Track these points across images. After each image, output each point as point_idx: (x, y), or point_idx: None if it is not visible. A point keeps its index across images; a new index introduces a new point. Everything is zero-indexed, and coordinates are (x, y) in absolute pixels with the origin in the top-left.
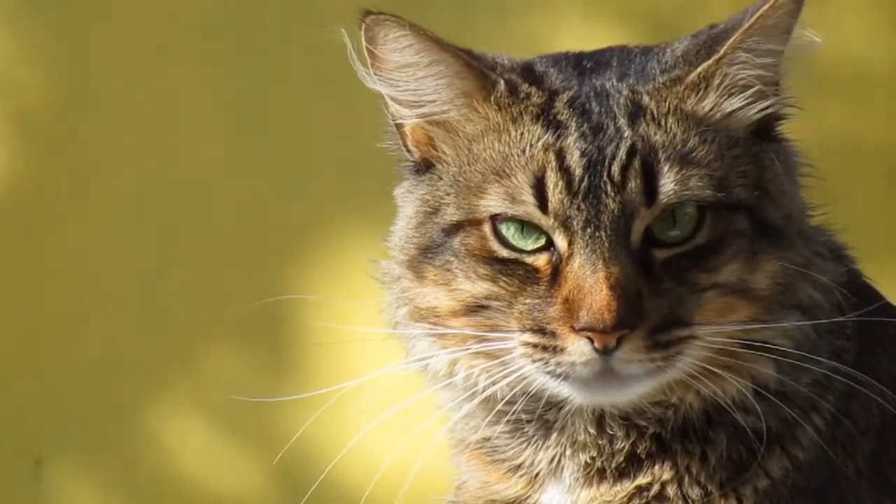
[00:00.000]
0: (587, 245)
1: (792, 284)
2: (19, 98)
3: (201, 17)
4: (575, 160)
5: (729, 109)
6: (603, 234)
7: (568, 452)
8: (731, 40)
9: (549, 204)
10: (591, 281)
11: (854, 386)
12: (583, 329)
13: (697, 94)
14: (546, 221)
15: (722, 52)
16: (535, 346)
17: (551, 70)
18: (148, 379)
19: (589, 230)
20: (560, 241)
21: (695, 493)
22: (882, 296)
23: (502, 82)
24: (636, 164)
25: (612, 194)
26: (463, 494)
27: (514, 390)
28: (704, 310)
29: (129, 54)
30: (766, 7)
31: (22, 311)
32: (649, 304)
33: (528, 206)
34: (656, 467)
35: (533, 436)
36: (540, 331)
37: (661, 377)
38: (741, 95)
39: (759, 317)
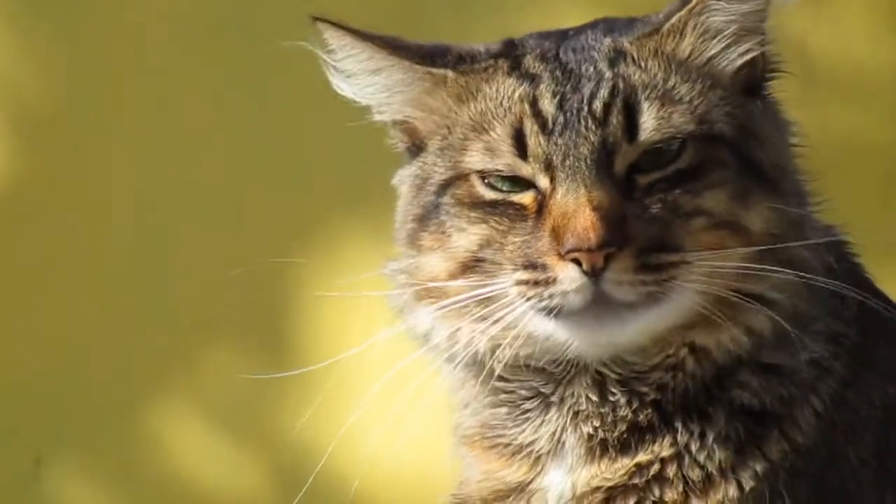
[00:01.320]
0: (568, 176)
1: (785, 237)
2: (19, 98)
3: (201, 17)
4: (547, 101)
5: (710, 54)
6: (583, 163)
7: (569, 426)
8: None
9: (529, 149)
10: (573, 206)
11: (854, 373)
12: (569, 251)
13: (674, 39)
14: (527, 169)
15: (694, 2)
16: (527, 282)
17: (531, 41)
18: (148, 379)
19: (569, 161)
20: (543, 181)
21: (695, 473)
22: (882, 291)
23: (450, 73)
24: (618, 101)
25: (593, 128)
26: (466, 488)
27: (513, 350)
28: (696, 239)
29: (130, 54)
30: None
31: (22, 310)
32: (635, 226)
33: (507, 158)
34: (656, 444)
35: (532, 412)
36: (531, 266)
37: (656, 307)
38: (718, 38)
39: (752, 260)
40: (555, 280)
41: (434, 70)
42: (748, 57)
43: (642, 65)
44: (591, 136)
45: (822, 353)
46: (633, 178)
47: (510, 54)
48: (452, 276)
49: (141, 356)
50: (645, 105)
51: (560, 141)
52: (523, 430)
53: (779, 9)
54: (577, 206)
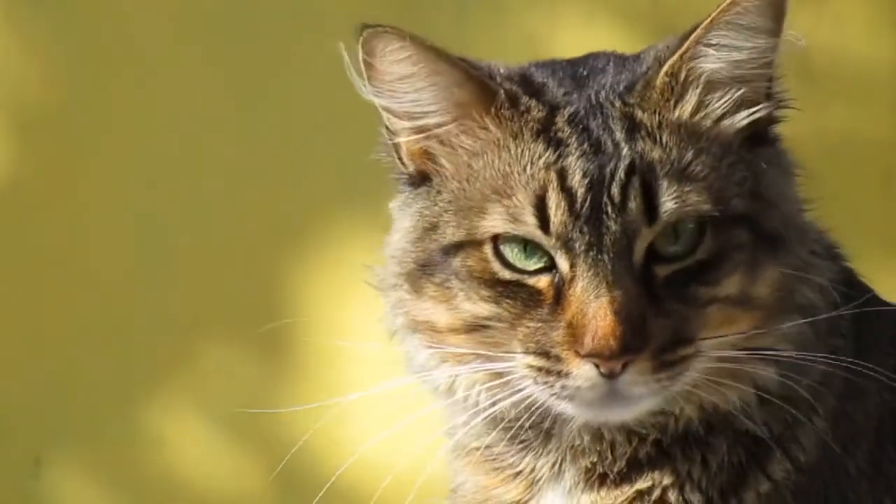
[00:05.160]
0: (590, 269)
1: (791, 289)
2: (19, 96)
3: (202, 17)
4: (577, 180)
5: (717, 113)
6: (606, 257)
7: (568, 458)
8: (692, 36)
9: (552, 225)
10: (594, 306)
11: (851, 384)
12: (588, 355)
13: (675, 94)
14: (548, 241)
15: (685, 47)
16: (538, 369)
17: (550, 81)
18: (148, 378)
19: (592, 253)
20: (562, 262)
21: (696, 498)
22: (875, 292)
23: (503, 92)
24: (636, 182)
25: (614, 215)
26: (459, 499)
27: (516, 409)
28: (707, 325)
29: (130, 53)
30: (725, 3)
31: (21, 309)
32: (653, 325)
33: (529, 227)
34: (657, 472)
35: (532, 443)
36: (544, 354)
37: (665, 394)
38: (721, 92)
39: (760, 325)
40: (568, 374)
41: (487, 81)
42: (756, 116)
43: (657, 138)
44: (614, 224)
45: (822, 371)
46: (652, 269)
47: (539, 96)
48: (454, 332)
49: (141, 356)
50: (664, 184)
51: (586, 229)
52: (523, 458)
53: (786, 52)
54: (599, 307)
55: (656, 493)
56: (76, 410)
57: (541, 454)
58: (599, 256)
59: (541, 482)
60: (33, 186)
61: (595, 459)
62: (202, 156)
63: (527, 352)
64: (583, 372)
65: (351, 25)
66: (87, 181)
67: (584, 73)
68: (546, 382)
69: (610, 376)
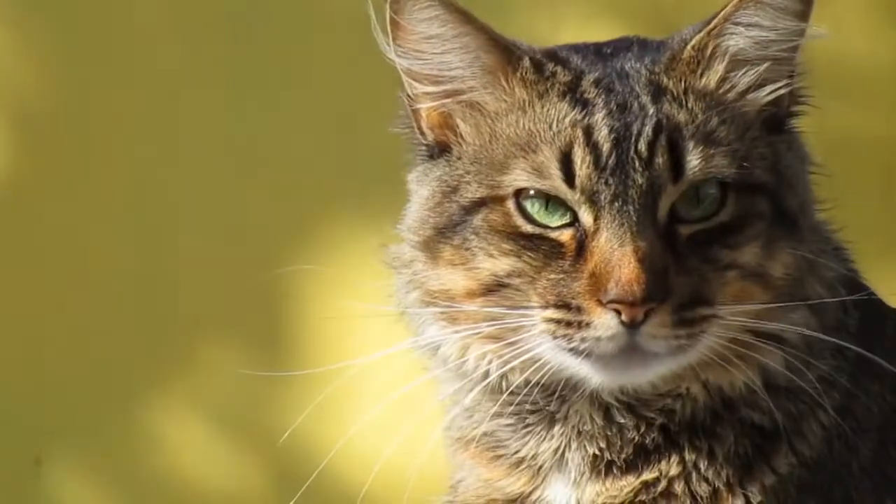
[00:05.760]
0: (614, 219)
1: (802, 278)
2: (20, 95)
3: (202, 16)
4: (603, 136)
5: (741, 87)
6: (631, 208)
7: (573, 444)
8: (720, 13)
9: (577, 179)
10: (618, 254)
11: (857, 383)
12: (611, 301)
13: (700, 66)
14: (572, 196)
15: (713, 24)
16: (558, 321)
17: (574, 56)
18: (148, 378)
19: (616, 204)
20: (585, 216)
21: (702, 489)
22: (878, 295)
23: (527, 59)
24: (662, 140)
25: (640, 169)
26: (460, 494)
27: (525, 375)
28: (725, 291)
29: (130, 53)
30: None
31: (21, 309)
32: (675, 280)
33: (554, 181)
34: (663, 463)
35: (536, 427)
36: (564, 306)
37: (682, 357)
38: (746, 69)
39: (773, 304)
40: (589, 324)
41: (513, 48)
42: (777, 94)
43: (683, 102)
44: (640, 178)
45: (828, 367)
46: (675, 228)
47: (565, 64)
48: (470, 296)
49: (141, 356)
50: (690, 144)
51: (611, 180)
52: (526, 443)
53: (808, 41)
54: (623, 255)
55: (662, 483)
56: (76, 410)
57: (544, 438)
58: (624, 208)
59: (544, 470)
60: (33, 186)
61: (603, 445)
62: (203, 156)
63: (546, 305)
64: (604, 321)
65: (353, 27)
66: (87, 181)
67: (609, 51)
68: (565, 335)
69: (631, 325)
